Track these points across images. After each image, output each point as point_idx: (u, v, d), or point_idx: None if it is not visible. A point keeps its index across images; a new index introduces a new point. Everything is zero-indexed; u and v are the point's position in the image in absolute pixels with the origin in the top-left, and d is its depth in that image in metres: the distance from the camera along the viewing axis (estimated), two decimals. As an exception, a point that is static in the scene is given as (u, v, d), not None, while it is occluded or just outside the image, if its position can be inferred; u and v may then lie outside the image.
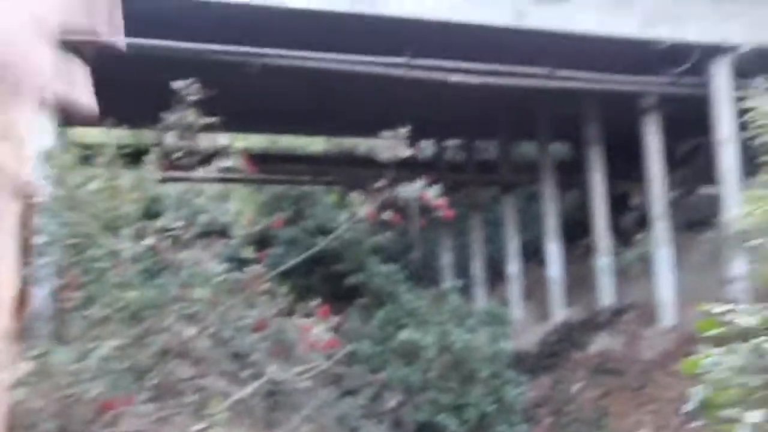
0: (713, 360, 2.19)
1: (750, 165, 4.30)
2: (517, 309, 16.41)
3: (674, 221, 13.94)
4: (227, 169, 5.00)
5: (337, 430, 8.34)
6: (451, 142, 20.71)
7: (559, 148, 19.69)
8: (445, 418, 9.37)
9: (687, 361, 2.38)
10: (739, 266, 10.76)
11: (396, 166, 4.89)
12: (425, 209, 5.21)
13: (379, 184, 4.73)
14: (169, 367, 4.74)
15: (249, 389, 5.10)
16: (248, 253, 5.01)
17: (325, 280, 15.38)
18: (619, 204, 16.89)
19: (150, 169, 4.79)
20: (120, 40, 1.75)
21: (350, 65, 11.18)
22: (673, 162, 15.07)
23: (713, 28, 11.77)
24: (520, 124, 16.84)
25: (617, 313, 14.57)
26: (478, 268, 17.97)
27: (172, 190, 5.48)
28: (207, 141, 5.04)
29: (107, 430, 4.08)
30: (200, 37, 10.19)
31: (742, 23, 10.73)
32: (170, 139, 4.86)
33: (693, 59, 12.18)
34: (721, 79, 12.52)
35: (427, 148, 20.83)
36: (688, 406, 2.29)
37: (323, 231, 13.22)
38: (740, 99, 4.28)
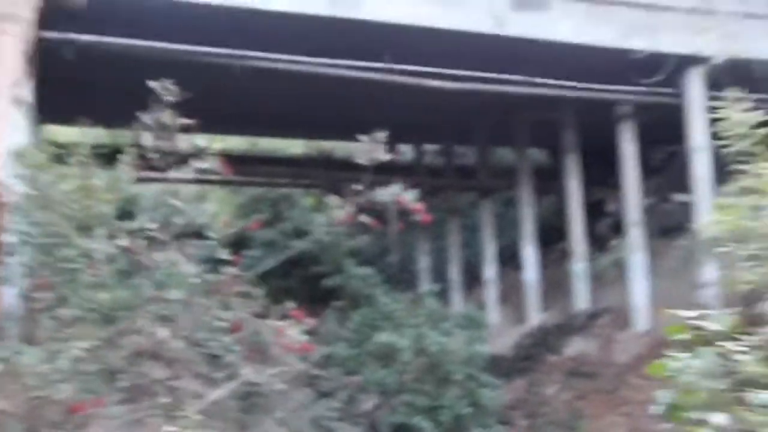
0: (679, 364, 2.25)
1: (722, 173, 4.40)
2: (493, 313, 16.52)
3: (648, 228, 14.15)
4: (204, 171, 4.97)
5: (312, 432, 8.32)
6: (430, 147, 20.80)
7: (537, 155, 19.89)
8: (420, 421, 9.39)
9: (654, 365, 2.43)
10: (710, 272, 10.95)
11: (374, 169, 4.90)
12: (403, 213, 5.23)
13: (357, 187, 4.74)
14: (142, 368, 4.69)
15: (223, 391, 5.07)
16: (225, 254, 4.99)
17: (302, 282, 15.38)
18: (594, 210, 17.10)
19: (125, 169, 4.75)
20: None
21: (330, 69, 11.18)
22: (648, 169, 15.31)
23: (687, 40, 11.99)
24: (498, 130, 16.97)
25: (592, 317, 14.74)
26: (455, 272, 18.06)
27: (148, 190, 5.43)
28: (184, 142, 5.01)
29: (77, 432, 4.03)
30: (180, 39, 10.13)
31: (715, 36, 10.96)
32: (146, 139, 4.82)
33: (668, 69, 12.39)
34: (694, 89, 12.76)
35: (406, 152, 20.92)
36: (655, 409, 2.34)
37: (301, 233, 13.17)
38: (713, 109, 4.37)
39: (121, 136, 11.01)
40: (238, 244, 14.34)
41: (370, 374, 9.73)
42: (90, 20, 9.29)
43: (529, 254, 16.07)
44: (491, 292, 17.04)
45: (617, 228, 14.96)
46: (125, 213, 5.25)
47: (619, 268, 14.13)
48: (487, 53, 11.67)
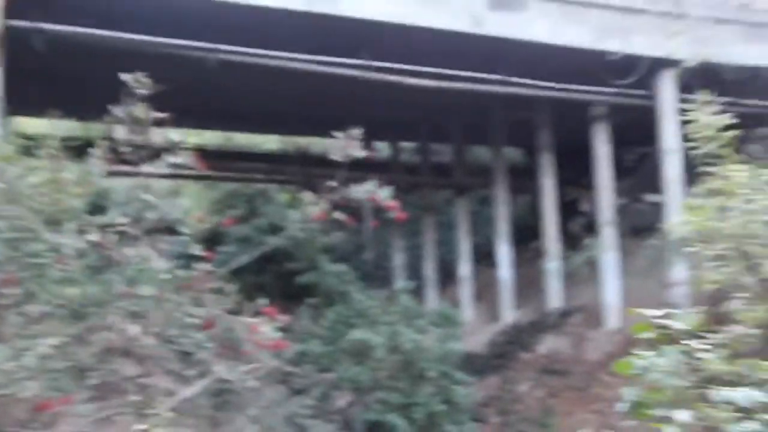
0: (645, 362, 2.29)
1: (693, 175, 4.48)
2: (468, 310, 16.62)
3: (621, 227, 14.35)
4: (178, 166, 4.90)
5: (286, 429, 8.29)
6: (407, 145, 20.84)
7: (512, 154, 20.04)
8: (394, 418, 9.41)
9: (619, 363, 2.47)
10: (679, 271, 11.15)
11: (350, 166, 4.89)
12: (378, 210, 5.23)
13: (332, 183, 4.72)
14: (112, 365, 4.62)
15: (195, 388, 5.02)
16: (198, 250, 4.93)
17: (276, 278, 15.29)
18: (568, 209, 17.29)
19: (96, 162, 4.67)
20: None
21: (306, 64, 11.14)
22: (621, 170, 15.51)
23: (660, 43, 12.18)
24: (474, 128, 17.07)
25: (565, 315, 14.91)
26: (430, 269, 18.13)
27: (120, 185, 5.35)
28: (158, 136, 4.94)
29: (44, 431, 3.96)
30: (154, 31, 10.00)
31: (687, 39, 11.16)
32: (119, 132, 4.74)
33: (641, 71, 12.57)
34: (666, 91, 12.97)
35: (382, 149, 20.93)
36: (621, 406, 2.38)
37: (276, 229, 13.09)
38: (684, 112, 4.44)
39: (93, 129, 10.84)
40: (213, 239, 14.31)
41: (344, 371, 9.73)
42: (61, 10, 9.13)
43: (504, 252, 16.19)
44: (466, 289, 17.14)
45: (590, 227, 15.14)
46: (97, 207, 5.16)
47: (592, 267, 14.31)
48: (464, 52, 11.73)
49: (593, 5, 12.38)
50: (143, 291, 4.59)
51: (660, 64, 12.69)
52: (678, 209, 12.06)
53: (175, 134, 4.92)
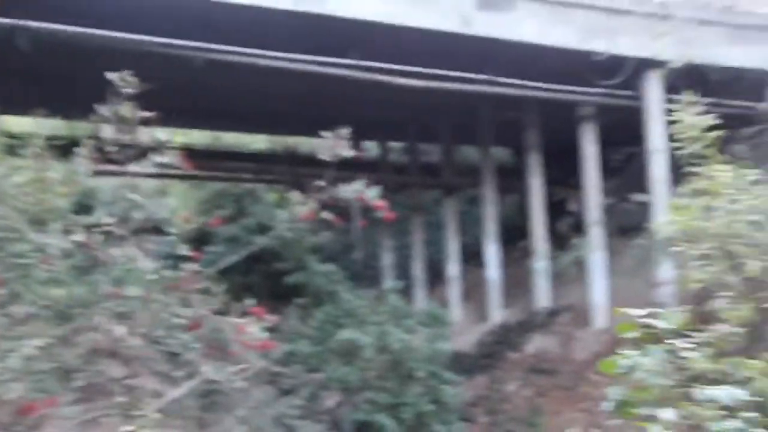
0: (629, 361, 2.31)
1: (679, 175, 4.52)
2: (456, 310, 16.66)
3: (608, 227, 14.43)
4: (164, 165, 4.87)
5: (274, 430, 8.27)
6: (395, 144, 20.85)
7: (501, 153, 20.10)
8: (382, 418, 9.41)
9: (604, 362, 2.49)
10: (666, 271, 11.23)
11: (339, 166, 4.88)
12: (367, 210, 5.22)
13: (320, 183, 4.71)
14: (99, 367, 4.59)
15: (182, 389, 5.00)
16: (185, 250, 4.91)
17: (265, 278, 15.24)
18: (556, 209, 17.37)
19: (82, 162, 4.63)
20: None
21: (295, 64, 11.11)
22: (608, 170, 15.60)
23: (646, 44, 12.26)
24: (463, 128, 17.10)
25: (552, 314, 14.97)
26: (418, 269, 18.15)
27: (107, 184, 5.32)
28: (145, 135, 4.91)
29: (29, 432, 3.93)
30: (142, 29, 9.93)
31: (672, 40, 11.24)
32: (105, 131, 4.71)
33: (627, 72, 12.65)
34: (653, 92, 13.06)
35: (371, 149, 20.93)
36: (606, 405, 2.40)
37: (264, 229, 13.06)
38: (669, 112, 4.48)
39: (79, 128, 10.76)
40: (201, 239, 14.23)
41: (332, 371, 9.72)
42: (46, 7, 9.05)
43: (492, 252, 16.24)
44: (454, 289, 17.17)
45: (578, 227, 15.23)
46: (83, 207, 5.12)
47: (579, 266, 14.38)
48: (452, 52, 11.75)
49: (580, 6, 12.44)
50: (130, 291, 4.56)
51: (646, 64, 12.78)
52: (664, 209, 12.14)
53: (162, 133, 4.90)
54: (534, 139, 15.67)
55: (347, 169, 5.11)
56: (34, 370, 3.96)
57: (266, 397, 7.99)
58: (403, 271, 18.18)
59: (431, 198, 20.00)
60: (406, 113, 16.52)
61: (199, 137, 21.20)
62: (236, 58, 10.66)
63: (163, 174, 6.21)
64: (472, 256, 17.41)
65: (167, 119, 4.91)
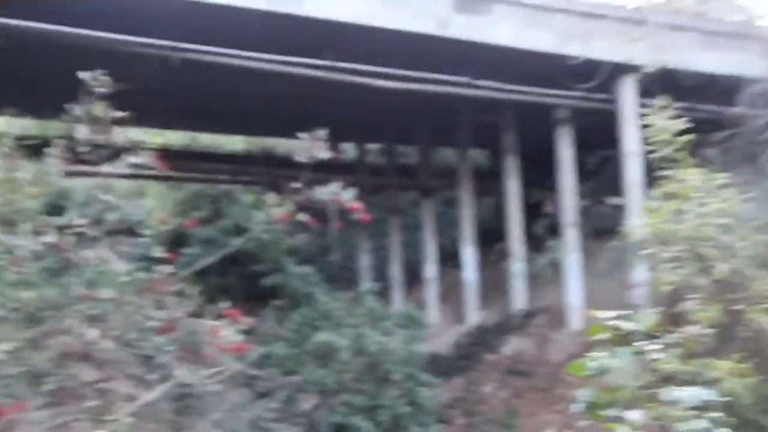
0: (597, 363, 2.33)
1: (653, 178, 4.59)
2: (433, 312, 16.70)
3: (583, 229, 14.58)
4: (139, 166, 4.82)
5: (249, 433, 8.20)
6: (373, 146, 20.85)
7: (478, 156, 20.21)
8: (359, 421, 9.40)
9: (573, 364, 2.51)
10: (640, 273, 11.37)
11: (316, 167, 4.87)
12: (343, 211, 5.22)
13: (296, 185, 4.70)
14: (70, 370, 4.52)
15: (156, 393, 4.94)
16: (159, 252, 4.86)
17: (241, 280, 15.12)
18: (532, 211, 17.50)
19: (53, 162, 4.56)
20: None
21: (271, 64, 11.05)
22: (584, 173, 15.77)
23: (621, 48, 12.41)
24: (440, 130, 17.17)
25: (529, 316, 15.08)
26: (395, 270, 18.16)
27: (81, 185, 5.25)
28: (120, 135, 4.85)
29: (-2, 437, 3.85)
30: (117, 28, 9.81)
31: (646, 45, 11.40)
32: (77, 131, 4.64)
33: (602, 76, 12.80)
34: (627, 96, 13.22)
35: (348, 150, 20.91)
36: (576, 407, 2.42)
37: (241, 231, 12.98)
38: (643, 116, 4.54)
39: (51, 127, 10.58)
40: (177, 241, 14.08)
41: (309, 374, 9.68)
42: (18, 4, 8.89)
43: (469, 254, 16.31)
44: (431, 291, 17.22)
45: (554, 229, 15.36)
46: (55, 208, 5.05)
47: (555, 268, 14.51)
48: (429, 54, 11.78)
49: (557, 10, 12.56)
50: (102, 294, 4.51)
51: (621, 69, 12.94)
52: (639, 212, 12.29)
53: (137, 134, 4.85)
54: (511, 142, 15.78)
55: (324, 170, 5.11)
56: (3, 375, 3.89)
57: (242, 400, 7.92)
58: (380, 272, 18.18)
59: (408, 200, 20.03)
60: (383, 115, 16.53)
61: (175, 138, 20.99)
62: (212, 58, 10.58)
63: (138, 175, 6.13)
64: (449, 258, 17.47)
65: (143, 119, 4.86)
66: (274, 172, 14.32)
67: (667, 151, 3.63)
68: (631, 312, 2.77)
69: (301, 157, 4.80)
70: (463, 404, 13.08)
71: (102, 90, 4.44)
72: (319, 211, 5.16)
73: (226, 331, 4.57)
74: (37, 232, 4.42)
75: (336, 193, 4.69)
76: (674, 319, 3.15)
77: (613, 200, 15.44)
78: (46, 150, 4.61)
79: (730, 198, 3.70)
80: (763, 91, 12.27)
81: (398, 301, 17.35)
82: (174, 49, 10.28)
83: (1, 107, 6.15)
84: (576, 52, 12.39)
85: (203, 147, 21.15)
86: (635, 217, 12.10)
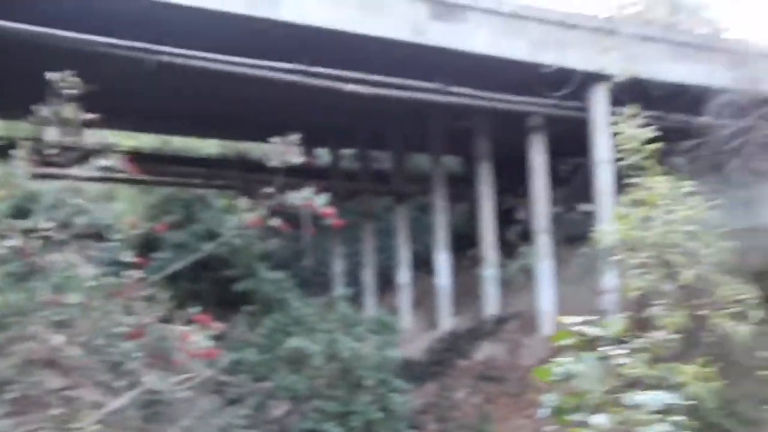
0: (563, 368, 2.36)
1: (623, 185, 4.66)
2: (406, 317, 16.71)
3: (555, 236, 14.73)
4: (109, 169, 4.75)
5: (220, 440, 8.11)
6: (347, 151, 20.84)
7: (451, 162, 20.32)
8: (331, 427, 9.36)
9: (538, 369, 2.54)
10: (610, 279, 11.52)
11: (290, 172, 4.85)
12: (317, 217, 5.20)
13: (269, 189, 4.67)
14: (34, 378, 4.42)
15: (124, 400, 4.86)
16: (129, 256, 4.78)
17: (213, 285, 14.99)
18: (505, 218, 17.63)
19: (20, 164, 4.47)
20: None
21: (246, 68, 10.99)
22: (556, 180, 15.95)
23: (593, 57, 12.60)
24: (414, 136, 17.23)
25: (501, 322, 15.17)
26: (369, 276, 18.15)
27: (49, 188, 5.15)
28: (90, 137, 4.78)
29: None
30: (91, 31, 9.66)
31: (618, 55, 11.59)
32: (46, 133, 4.56)
33: (574, 84, 12.97)
34: (599, 104, 13.43)
35: (323, 155, 20.87)
36: (542, 412, 2.44)
37: (213, 236, 12.87)
38: (615, 124, 4.61)
39: (18, 129, 10.38)
40: (148, 245, 13.88)
41: (280, 380, 9.62)
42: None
43: (442, 260, 16.37)
44: (404, 296, 17.23)
45: (526, 235, 15.49)
46: (22, 211, 4.94)
47: (528, 274, 14.63)
48: (405, 60, 11.83)
49: (530, 18, 12.71)
50: (69, 299, 4.42)
51: (592, 78, 13.13)
52: (609, 218, 12.46)
53: (108, 136, 4.78)
54: (484, 149, 15.90)
55: (298, 175, 5.08)
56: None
57: (212, 406, 7.84)
58: (353, 278, 18.15)
59: (382, 205, 20.05)
60: (357, 120, 16.54)
61: (147, 141, 20.74)
62: (185, 61, 10.48)
63: (108, 178, 6.03)
64: (423, 264, 17.51)
65: (115, 121, 4.80)
66: (248, 176, 14.23)
67: (635, 159, 3.69)
68: (599, 317, 2.80)
69: (274, 162, 4.77)
70: (436, 410, 13.10)
71: (71, 91, 4.36)
72: (291, 217, 5.13)
73: (195, 336, 4.51)
74: (1, 236, 4.32)
75: (308, 198, 4.67)
76: (642, 324, 3.20)
77: (585, 207, 15.63)
78: (13, 152, 4.51)
79: (696, 206, 3.78)
80: (729, 102, 12.57)
81: (371, 307, 17.33)
82: (148, 51, 10.16)
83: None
84: (549, 61, 12.54)
85: (176, 150, 20.94)
86: (606, 224, 12.26)
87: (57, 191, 4.99)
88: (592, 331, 2.45)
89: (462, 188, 17.65)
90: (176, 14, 9.91)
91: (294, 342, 9.73)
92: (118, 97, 10.85)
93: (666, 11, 17.28)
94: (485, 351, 14.64)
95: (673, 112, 12.66)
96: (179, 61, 10.43)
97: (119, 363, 4.95)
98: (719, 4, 26.41)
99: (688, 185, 3.88)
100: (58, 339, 4.40)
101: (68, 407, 4.54)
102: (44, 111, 4.41)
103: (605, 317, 2.96)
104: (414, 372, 13.06)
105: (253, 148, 18.91)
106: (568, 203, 17.49)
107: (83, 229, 4.78)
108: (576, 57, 12.89)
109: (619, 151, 4.28)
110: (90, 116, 4.59)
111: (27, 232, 4.51)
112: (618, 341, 2.52)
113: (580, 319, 2.56)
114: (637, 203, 3.66)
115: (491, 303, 15.41)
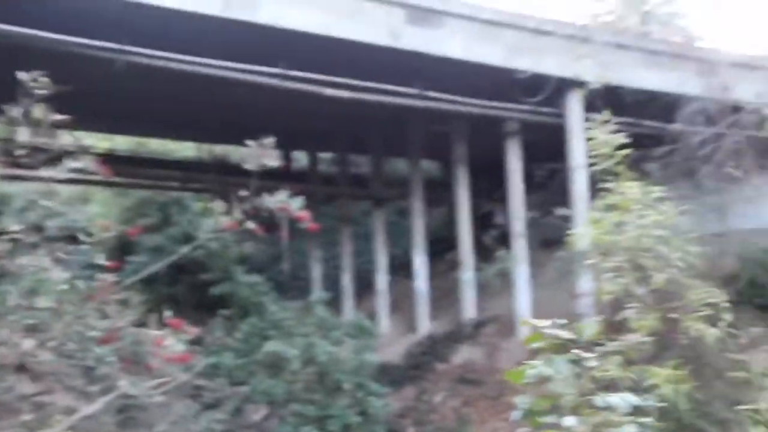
0: (535, 370, 2.38)
1: (599, 190, 4.73)
2: (384, 321, 16.71)
3: (532, 240, 14.84)
4: (81, 171, 4.68)
5: (196, 446, 8.02)
6: (325, 155, 20.81)
7: (429, 166, 20.39)
8: (309, 431, 9.31)
9: (511, 372, 2.56)
10: (586, 283, 11.65)
11: (268, 175, 4.82)
12: (294, 220, 5.18)
13: (244, 193, 4.64)
14: (4, 383, 4.34)
15: (97, 405, 4.79)
16: (102, 260, 4.72)
17: (190, 289, 14.84)
18: (483, 222, 17.73)
19: (-12, 166, 4.39)
20: None
21: (224, 71, 10.94)
22: (533, 184, 16.08)
23: (568, 64, 12.75)
24: (392, 140, 17.26)
25: (479, 325, 15.25)
26: (346, 280, 18.12)
27: (20, 190, 5.07)
28: (62, 138, 4.71)
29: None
30: (63, 29, 9.54)
31: (592, 62, 11.74)
32: (15, 134, 4.48)
33: (549, 90, 13.12)
34: (574, 110, 13.59)
35: (300, 159, 20.81)
36: (515, 415, 2.46)
37: (190, 239, 12.75)
38: (588, 129, 4.67)
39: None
40: (124, 249, 13.72)
41: (258, 384, 9.55)
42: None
43: (420, 263, 16.40)
44: (382, 300, 17.23)
45: (503, 239, 15.60)
46: (-9, 214, 4.86)
47: (505, 278, 14.72)
48: (382, 65, 11.86)
49: (506, 25, 12.82)
50: (40, 303, 4.34)
51: (567, 84, 13.29)
52: (584, 223, 12.59)
53: (82, 138, 4.72)
54: (462, 153, 15.98)
55: (276, 179, 5.07)
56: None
57: (188, 411, 7.75)
58: (331, 282, 18.10)
59: (360, 209, 20.04)
60: (336, 124, 16.54)
61: (122, 143, 20.51)
62: (158, 63, 10.39)
63: (81, 180, 5.97)
64: (401, 268, 17.53)
65: (89, 123, 4.75)
66: (225, 179, 14.13)
67: (608, 164, 3.75)
68: (574, 320, 2.83)
69: (250, 165, 4.74)
70: (414, 413, 13.11)
71: (41, 91, 4.29)
72: (269, 220, 5.11)
73: (170, 340, 4.47)
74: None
75: (284, 201, 4.65)
76: (616, 328, 3.24)
77: (561, 211, 15.76)
78: (-18, 153, 4.43)
79: (667, 211, 3.84)
80: (700, 109, 12.80)
81: (349, 311, 17.30)
82: (118, 51, 10.05)
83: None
84: (524, 67, 12.67)
85: (152, 153, 20.73)
86: (581, 228, 12.38)
87: (29, 193, 4.91)
88: (566, 334, 2.48)
89: (440, 192, 17.72)
90: (154, 17, 9.83)
91: (271, 346, 9.67)
92: (92, 98, 10.72)
93: (638, 20, 17.56)
94: (463, 354, 14.69)
95: (646, 119, 12.86)
96: (152, 62, 10.35)
97: (92, 368, 4.88)
98: (692, 14, 26.92)
99: (660, 191, 3.95)
100: (28, 343, 4.32)
101: (40, 413, 4.47)
102: (14, 111, 4.33)
103: (581, 320, 2.99)
104: (392, 376, 13.06)
105: (231, 152, 18.80)
106: (544, 208, 17.62)
107: (56, 232, 4.71)
108: (551, 63, 13.04)
109: (592, 157, 4.33)
110: (61, 117, 4.53)
111: (-5, 235, 4.44)
112: (593, 344, 2.55)
113: (550, 322, 2.58)
114: (611, 208, 3.71)
115: (469, 306, 15.48)
